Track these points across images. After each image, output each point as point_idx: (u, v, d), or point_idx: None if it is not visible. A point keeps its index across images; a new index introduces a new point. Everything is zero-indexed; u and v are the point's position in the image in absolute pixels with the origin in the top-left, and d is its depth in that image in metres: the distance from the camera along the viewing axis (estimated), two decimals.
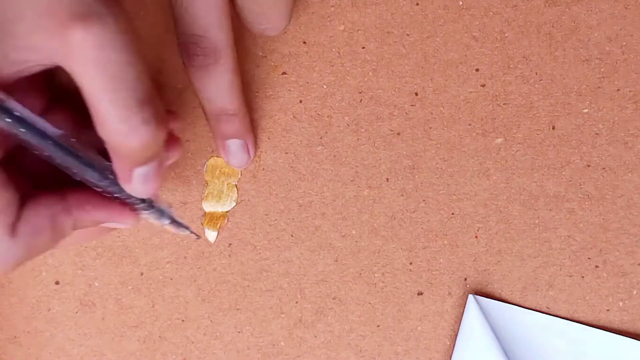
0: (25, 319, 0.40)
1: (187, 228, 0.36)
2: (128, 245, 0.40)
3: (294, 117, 0.41)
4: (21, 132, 0.28)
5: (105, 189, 0.31)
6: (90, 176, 0.30)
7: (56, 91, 0.32)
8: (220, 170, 0.40)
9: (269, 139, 0.40)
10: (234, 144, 0.39)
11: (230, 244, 0.40)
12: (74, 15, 0.27)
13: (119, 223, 0.33)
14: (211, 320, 0.40)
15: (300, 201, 0.40)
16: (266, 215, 0.40)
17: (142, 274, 0.40)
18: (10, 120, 0.27)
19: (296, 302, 0.40)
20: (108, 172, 0.31)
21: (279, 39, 0.41)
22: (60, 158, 0.29)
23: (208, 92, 0.36)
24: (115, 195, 0.32)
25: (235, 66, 0.36)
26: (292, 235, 0.40)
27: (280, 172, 0.40)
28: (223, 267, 0.40)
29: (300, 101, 0.41)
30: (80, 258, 0.40)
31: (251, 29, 0.37)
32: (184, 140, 0.40)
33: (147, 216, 0.34)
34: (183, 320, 0.40)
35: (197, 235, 0.38)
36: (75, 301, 0.40)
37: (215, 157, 0.40)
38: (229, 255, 0.40)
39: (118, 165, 0.30)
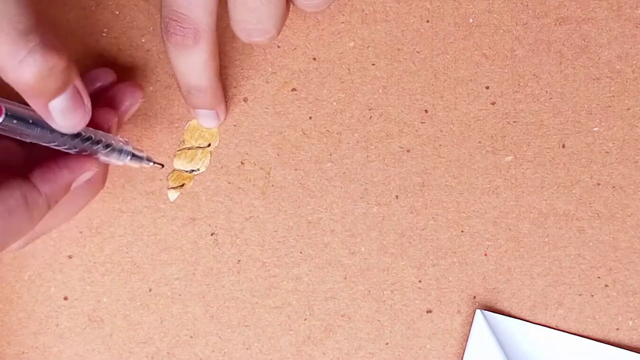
0: (34, 334, 0.40)
1: (149, 160, 0.37)
2: (137, 262, 0.40)
3: (304, 133, 0.41)
4: None
5: (60, 145, 0.32)
6: (38, 136, 0.31)
7: None
8: (199, 133, 0.40)
9: (278, 155, 0.40)
10: (203, 112, 0.39)
11: (239, 261, 0.40)
12: None
13: (85, 173, 0.34)
14: (220, 337, 0.40)
15: (310, 218, 0.40)
16: (275, 231, 0.40)
17: (150, 290, 0.40)
18: None
19: (305, 319, 0.40)
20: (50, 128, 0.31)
21: (289, 55, 0.40)
22: (14, 127, 0.30)
23: (181, 68, 0.36)
24: (70, 149, 0.33)
25: (213, 49, 0.35)
26: (301, 252, 0.40)
27: (289, 189, 0.40)
28: (232, 283, 0.40)
29: (310, 117, 0.41)
30: (88, 274, 0.40)
31: (238, 32, 0.35)
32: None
33: (108, 157, 0.35)
34: (191, 337, 0.40)
35: (161, 165, 0.39)
36: (83, 317, 0.40)
37: None
38: (238, 272, 0.40)
39: (34, 105, 0.30)
